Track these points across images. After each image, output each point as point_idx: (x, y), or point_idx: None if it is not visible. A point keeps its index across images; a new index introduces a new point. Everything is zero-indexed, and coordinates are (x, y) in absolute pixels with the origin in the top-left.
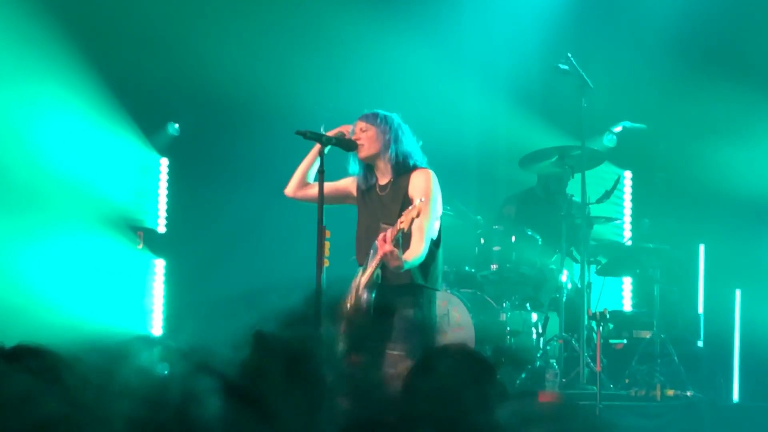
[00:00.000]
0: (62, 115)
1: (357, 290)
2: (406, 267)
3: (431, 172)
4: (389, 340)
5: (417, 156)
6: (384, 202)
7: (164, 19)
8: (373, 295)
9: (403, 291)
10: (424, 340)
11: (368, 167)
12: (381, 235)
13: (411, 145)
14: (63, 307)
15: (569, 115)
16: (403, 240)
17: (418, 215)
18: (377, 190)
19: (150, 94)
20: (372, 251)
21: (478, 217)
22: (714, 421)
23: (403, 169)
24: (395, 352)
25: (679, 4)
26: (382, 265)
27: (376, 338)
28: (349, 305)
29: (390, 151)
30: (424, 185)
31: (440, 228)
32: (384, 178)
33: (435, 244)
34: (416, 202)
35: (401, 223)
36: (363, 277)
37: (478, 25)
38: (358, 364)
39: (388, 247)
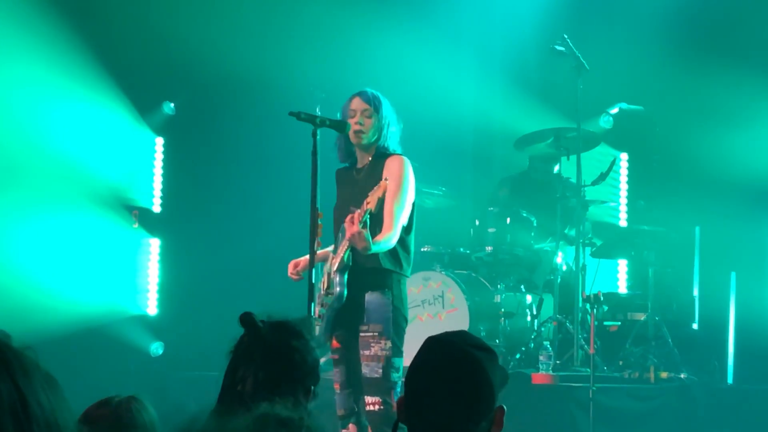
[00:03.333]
0: (57, 94)
1: (329, 274)
2: (374, 249)
3: (405, 159)
4: (362, 322)
5: (395, 140)
6: (360, 185)
7: None
8: (345, 278)
9: (372, 273)
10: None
11: (350, 147)
12: (349, 216)
13: (396, 131)
14: (57, 288)
15: (565, 96)
16: (374, 223)
17: (383, 194)
18: (353, 172)
19: (145, 73)
20: (341, 234)
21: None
22: (708, 404)
23: (383, 154)
24: (368, 334)
25: None
26: (352, 248)
27: (350, 319)
28: (322, 289)
29: (381, 138)
30: (397, 171)
31: (413, 214)
32: (362, 161)
33: (405, 231)
34: (382, 181)
35: (367, 203)
36: (335, 260)
37: (474, 6)
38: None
39: (355, 227)
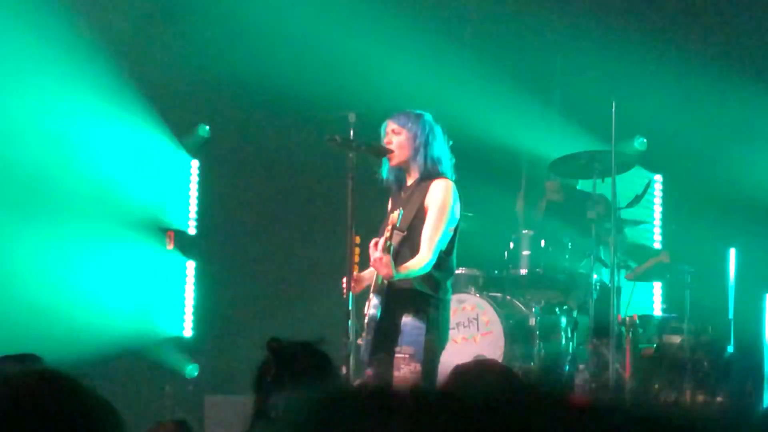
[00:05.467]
0: (94, 117)
1: (370, 293)
2: (399, 277)
3: (450, 183)
4: (395, 343)
5: (446, 161)
6: (403, 204)
7: (195, 21)
8: (380, 299)
9: (408, 296)
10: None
11: (398, 169)
12: (373, 242)
13: (441, 149)
14: (93, 309)
15: (599, 118)
16: (411, 248)
17: (395, 224)
18: (402, 191)
19: (181, 96)
20: None
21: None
22: (744, 428)
23: (430, 174)
24: (400, 355)
25: (718, 9)
26: None
27: (386, 341)
28: (365, 309)
29: (419, 155)
30: (440, 196)
31: (455, 237)
32: (411, 180)
33: (446, 252)
34: (394, 214)
35: (387, 230)
36: (372, 281)
37: (506, 29)
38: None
39: (378, 254)
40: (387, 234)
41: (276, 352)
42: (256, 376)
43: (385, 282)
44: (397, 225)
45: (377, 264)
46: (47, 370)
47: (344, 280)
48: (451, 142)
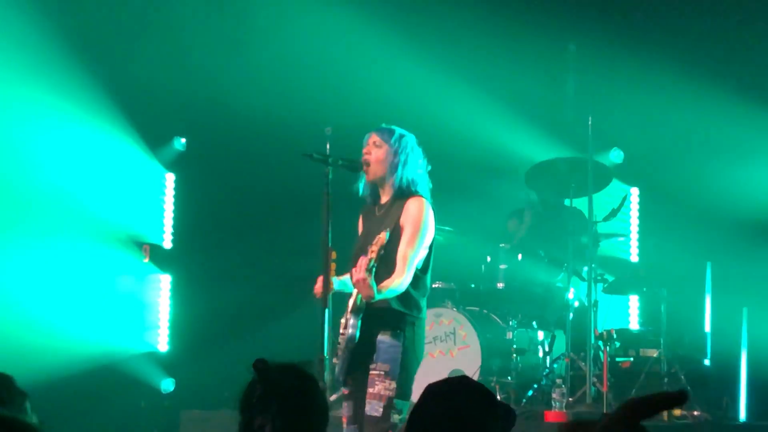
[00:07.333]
0: (68, 130)
1: (347, 313)
2: (379, 297)
3: (425, 201)
4: (371, 360)
5: (422, 183)
6: (378, 223)
7: (172, 33)
8: (359, 320)
9: (384, 314)
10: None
11: (373, 184)
12: (358, 263)
13: (419, 171)
14: (67, 325)
15: (576, 131)
16: (387, 262)
17: (383, 245)
18: (376, 209)
19: (156, 108)
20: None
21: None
22: None
23: (404, 193)
24: (375, 372)
25: (691, 24)
26: None
27: (362, 359)
28: (341, 328)
29: (396, 173)
30: (416, 214)
31: (430, 255)
32: (385, 197)
33: (422, 271)
34: (381, 233)
35: (372, 252)
36: (350, 300)
37: (480, 41)
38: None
39: (360, 275)
40: (372, 255)
41: (262, 372)
42: (242, 396)
43: (364, 302)
44: (385, 245)
45: (360, 285)
46: (7, 418)
47: (318, 282)
48: (430, 168)
